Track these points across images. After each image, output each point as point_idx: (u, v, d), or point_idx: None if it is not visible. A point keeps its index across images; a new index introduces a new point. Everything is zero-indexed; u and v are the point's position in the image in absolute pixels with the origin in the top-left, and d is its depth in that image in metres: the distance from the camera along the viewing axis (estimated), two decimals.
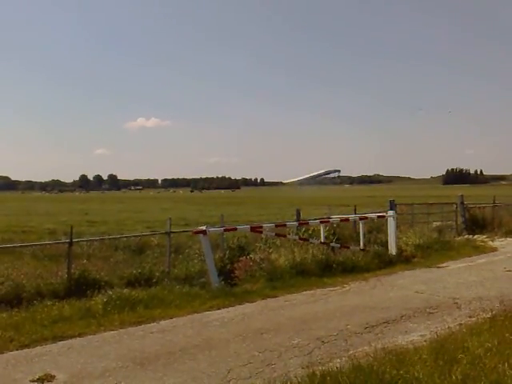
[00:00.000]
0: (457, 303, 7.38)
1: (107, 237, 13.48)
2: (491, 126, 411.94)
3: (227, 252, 10.80)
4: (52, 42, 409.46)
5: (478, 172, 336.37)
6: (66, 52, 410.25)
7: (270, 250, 11.04)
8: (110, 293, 7.87)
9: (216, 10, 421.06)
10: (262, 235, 10.88)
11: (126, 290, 8.05)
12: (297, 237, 11.05)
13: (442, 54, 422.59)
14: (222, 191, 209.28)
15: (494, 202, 19.82)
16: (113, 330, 6.57)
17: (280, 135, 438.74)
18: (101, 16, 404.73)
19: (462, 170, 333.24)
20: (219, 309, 7.59)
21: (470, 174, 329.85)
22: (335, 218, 12.21)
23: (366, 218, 12.23)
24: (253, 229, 9.95)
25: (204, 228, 9.04)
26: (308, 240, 10.86)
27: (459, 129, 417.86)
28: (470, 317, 6.52)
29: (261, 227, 10.11)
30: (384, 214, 12.38)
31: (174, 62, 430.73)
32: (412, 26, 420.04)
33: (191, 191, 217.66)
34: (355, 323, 6.47)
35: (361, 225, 11.65)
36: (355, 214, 14.77)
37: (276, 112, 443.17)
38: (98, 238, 12.73)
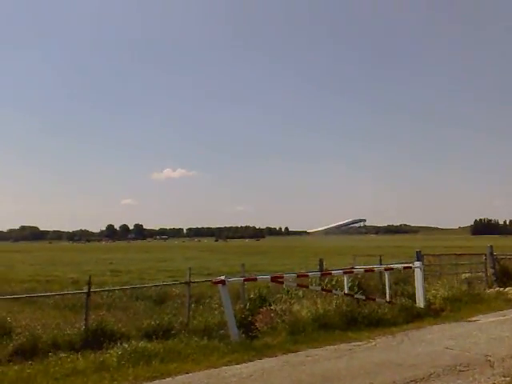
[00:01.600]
0: (489, 361, 6.92)
1: (127, 287, 13.36)
2: None
3: (248, 303, 10.53)
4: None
5: (507, 222, 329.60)
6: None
7: (292, 301, 10.74)
8: (126, 345, 7.66)
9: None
10: (284, 286, 10.61)
11: (141, 343, 7.83)
12: (319, 288, 10.72)
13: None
14: (247, 240, 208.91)
15: None
16: None
17: (305, 185, 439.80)
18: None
19: (490, 220, 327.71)
20: (238, 363, 7.29)
21: (498, 224, 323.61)
22: (359, 268, 11.87)
23: (392, 268, 11.85)
24: (273, 279, 9.70)
25: (223, 278, 8.83)
26: (331, 291, 10.52)
27: (487, 179, 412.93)
28: (504, 376, 6.08)
29: (282, 277, 9.86)
30: (411, 264, 11.98)
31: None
32: (437, 89, 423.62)
33: (215, 240, 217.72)
34: (381, 382, 6.10)
35: (386, 276, 11.26)
36: (380, 264, 14.39)
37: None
38: (117, 288, 12.59)
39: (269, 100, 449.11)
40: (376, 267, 12.26)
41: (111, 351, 7.63)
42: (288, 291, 11.42)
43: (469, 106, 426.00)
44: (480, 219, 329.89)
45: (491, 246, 17.21)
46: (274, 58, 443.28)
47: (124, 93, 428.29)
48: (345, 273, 10.69)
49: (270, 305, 10.56)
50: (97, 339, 8.41)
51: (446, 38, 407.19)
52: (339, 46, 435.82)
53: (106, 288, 13.44)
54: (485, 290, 14.60)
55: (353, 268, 11.79)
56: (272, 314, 9.85)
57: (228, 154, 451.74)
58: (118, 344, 7.90)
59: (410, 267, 11.84)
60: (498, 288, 15.24)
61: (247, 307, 10.34)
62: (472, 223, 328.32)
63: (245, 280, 9.61)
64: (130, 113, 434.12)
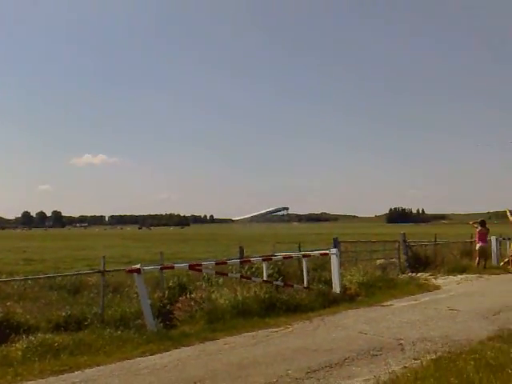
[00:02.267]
0: (401, 344, 7.13)
1: (36, 276, 12.66)
2: (433, 168, 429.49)
3: (166, 292, 10.29)
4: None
5: (420, 211, 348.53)
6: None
7: (212, 289, 10.62)
8: (32, 338, 7.20)
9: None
10: (203, 273, 10.45)
11: (49, 335, 7.39)
12: (238, 275, 10.66)
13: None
14: (171, 228, 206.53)
15: (436, 240, 20.17)
16: (31, 380, 5.93)
17: (229, 172, 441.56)
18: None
19: (404, 209, 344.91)
20: (152, 354, 7.05)
21: (412, 212, 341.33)
22: (278, 255, 11.94)
23: (310, 255, 12.01)
24: (191, 267, 9.51)
25: (138, 266, 8.51)
26: (250, 278, 10.49)
27: (403, 169, 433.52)
28: (415, 359, 6.26)
29: (200, 265, 9.69)
30: (327, 251, 12.19)
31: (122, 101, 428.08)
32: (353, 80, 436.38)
33: (139, 228, 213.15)
34: (296, 368, 6.11)
35: (304, 262, 11.41)
36: (299, 251, 14.58)
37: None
38: (28, 278, 11.87)
39: (187, 85, 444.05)
40: (294, 254, 12.38)
41: (16, 345, 7.16)
42: (208, 279, 11.29)
43: (380, 97, 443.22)
44: (395, 208, 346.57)
45: (404, 234, 17.98)
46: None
47: (44, 75, 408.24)
48: (264, 260, 10.69)
49: (190, 293, 10.37)
50: (1, 332, 7.87)
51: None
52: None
53: (17, 278, 12.67)
54: (398, 275, 15.20)
55: (272, 255, 11.83)
56: (191, 303, 9.68)
57: (151, 141, 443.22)
58: (24, 337, 7.42)
59: (327, 254, 12.05)
60: (410, 273, 15.95)
61: (166, 296, 10.09)
62: (387, 212, 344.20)
63: (162, 268, 9.34)
64: (48, 94, 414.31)
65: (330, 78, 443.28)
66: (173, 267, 9.46)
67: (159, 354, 7.05)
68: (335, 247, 13.78)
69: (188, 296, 10.12)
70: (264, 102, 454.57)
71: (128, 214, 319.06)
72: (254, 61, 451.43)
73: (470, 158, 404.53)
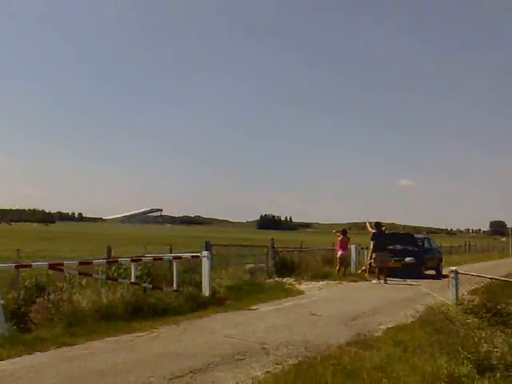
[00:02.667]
0: (265, 348, 7.25)
1: None
2: (301, 177, 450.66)
3: (22, 292, 9.49)
4: None
5: (288, 219, 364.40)
6: None
7: (74, 291, 10.00)
8: None
9: None
10: (66, 273, 9.81)
11: None
12: (104, 276, 10.17)
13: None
14: (34, 225, 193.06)
15: (301, 247, 21.11)
16: None
17: (101, 170, 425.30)
18: None
19: (274, 216, 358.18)
20: (2, 360, 6.43)
21: (281, 220, 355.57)
22: (148, 256, 11.63)
23: (180, 257, 11.85)
24: (52, 266, 8.86)
25: None
26: (117, 280, 10.06)
27: (272, 178, 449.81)
28: (277, 364, 6.37)
29: (62, 264, 9.06)
30: (199, 254, 12.14)
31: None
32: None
33: None
34: (160, 374, 5.91)
35: (175, 264, 11.21)
36: (171, 253, 14.35)
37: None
38: None
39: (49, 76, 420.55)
40: (165, 256, 12.15)
41: None
42: (70, 280, 10.62)
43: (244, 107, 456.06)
44: (265, 215, 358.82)
45: (272, 239, 18.56)
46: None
47: None
48: (132, 261, 10.31)
49: (49, 294, 9.68)
50: None
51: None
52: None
53: None
54: (265, 279, 15.60)
55: (141, 256, 11.49)
56: (49, 305, 9.02)
57: (13, 131, 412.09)
58: None
59: (199, 256, 11.99)
60: (277, 278, 16.43)
61: (21, 297, 9.31)
62: (258, 218, 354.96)
63: (17, 266, 8.59)
64: None
65: None
66: (30, 265, 8.74)
67: (10, 360, 6.45)
68: (207, 250, 13.77)
69: (46, 297, 9.45)
70: (116, 102, 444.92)
71: None
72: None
73: (337, 170, 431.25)
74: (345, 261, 18.73)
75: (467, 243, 44.90)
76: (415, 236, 21.27)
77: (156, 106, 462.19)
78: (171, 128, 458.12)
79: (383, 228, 18.14)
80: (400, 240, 19.60)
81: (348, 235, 19.33)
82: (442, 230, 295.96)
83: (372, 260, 17.28)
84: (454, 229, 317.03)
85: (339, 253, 18.61)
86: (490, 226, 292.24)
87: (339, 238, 18.94)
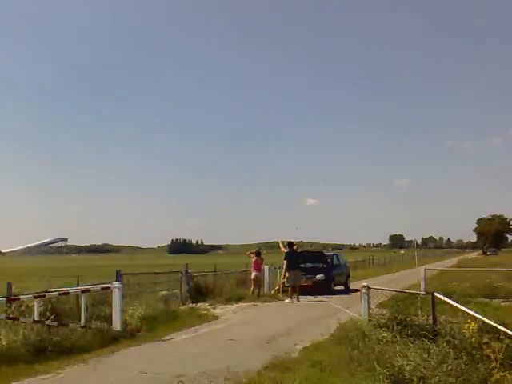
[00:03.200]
0: (182, 382, 6.98)
1: None
2: (211, 199, 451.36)
3: None
4: None
5: (199, 242, 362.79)
6: None
7: None
8: None
9: None
10: None
11: None
12: (4, 316, 9.38)
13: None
14: None
15: (215, 270, 20.95)
16: None
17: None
18: None
19: (185, 240, 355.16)
20: None
21: (192, 243, 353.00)
22: (53, 291, 10.91)
23: (89, 290, 11.24)
24: None
25: None
26: (18, 319, 9.31)
27: (183, 201, 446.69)
28: None
29: None
30: (109, 285, 11.59)
31: None
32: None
33: None
34: None
35: (83, 298, 10.59)
36: (78, 285, 13.63)
37: None
38: None
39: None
40: (72, 289, 11.47)
41: None
42: None
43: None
44: (176, 239, 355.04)
45: (186, 264, 18.21)
46: None
47: None
48: (35, 297, 9.61)
49: None
50: None
51: None
52: None
53: None
54: (179, 306, 15.21)
55: (46, 292, 10.75)
56: None
57: None
58: None
59: (109, 288, 11.45)
60: (191, 304, 16.10)
61: None
62: (169, 243, 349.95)
63: None
64: None
65: None
66: None
67: None
68: (117, 280, 13.23)
69: None
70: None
71: None
72: None
73: (229, 190, 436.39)
74: (259, 282, 18.80)
75: (370, 257, 46.94)
76: (325, 253, 21.88)
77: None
78: (77, 151, 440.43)
79: (295, 247, 18.46)
80: (310, 258, 20.04)
81: (262, 256, 19.45)
82: (346, 245, 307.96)
83: (285, 279, 17.44)
84: (357, 244, 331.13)
85: (253, 274, 18.66)
86: (390, 240, 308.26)
87: (253, 259, 19.01)
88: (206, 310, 15.00)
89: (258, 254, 19.31)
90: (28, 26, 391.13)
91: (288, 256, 17.72)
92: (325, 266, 19.91)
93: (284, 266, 17.90)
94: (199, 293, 17.82)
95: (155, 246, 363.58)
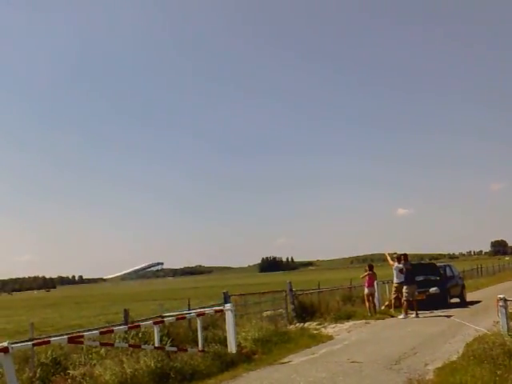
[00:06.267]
0: None
1: None
2: (299, 216, 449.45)
3: (38, 370, 8.77)
4: None
5: (290, 259, 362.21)
6: None
7: (93, 363, 9.25)
8: None
9: None
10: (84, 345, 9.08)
11: None
12: (126, 344, 9.41)
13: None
14: (35, 292, 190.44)
15: (319, 287, 20.31)
16: None
17: (94, 228, 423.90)
18: None
19: (275, 257, 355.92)
20: None
21: (282, 261, 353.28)
22: (170, 316, 10.88)
23: (204, 313, 11.10)
24: (72, 340, 8.11)
25: (5, 344, 7.01)
26: (140, 346, 9.30)
27: (271, 220, 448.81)
28: None
29: (82, 336, 8.32)
30: (221, 307, 11.41)
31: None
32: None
33: None
34: None
35: (198, 322, 10.44)
36: (189, 308, 13.63)
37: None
38: None
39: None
40: (187, 313, 11.39)
41: None
42: (87, 350, 9.87)
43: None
44: (266, 257, 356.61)
45: (290, 283, 17.74)
46: None
47: None
48: (155, 323, 9.58)
49: (67, 369, 8.94)
50: None
51: None
52: None
53: None
54: (286, 326, 14.79)
55: (162, 316, 10.75)
56: (69, 381, 8.29)
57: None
58: None
59: (222, 310, 11.26)
60: (298, 324, 15.62)
61: (37, 376, 8.59)
62: (259, 261, 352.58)
63: (34, 345, 7.86)
64: None
65: None
66: (49, 342, 7.98)
67: None
68: (226, 302, 13.08)
69: (65, 374, 8.72)
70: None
71: None
72: None
73: (332, 204, 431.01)
74: (373, 298, 17.94)
75: (479, 266, 44.03)
76: (437, 265, 20.62)
77: (149, 159, 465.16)
78: (166, 181, 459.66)
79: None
80: (422, 270, 18.85)
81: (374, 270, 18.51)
82: (444, 255, 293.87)
83: (405, 293, 16.36)
84: (456, 253, 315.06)
85: (366, 289, 17.79)
86: (492, 246, 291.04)
87: (367, 275, 18.10)
88: (316, 329, 14.44)
89: (371, 268, 18.40)
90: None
91: (406, 269, 16.65)
92: (438, 278, 18.67)
93: (395, 280, 16.94)
94: (305, 312, 17.30)
95: (246, 265, 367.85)
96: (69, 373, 8.85)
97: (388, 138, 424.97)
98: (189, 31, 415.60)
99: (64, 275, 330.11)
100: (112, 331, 9.16)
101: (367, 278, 17.97)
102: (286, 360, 10.28)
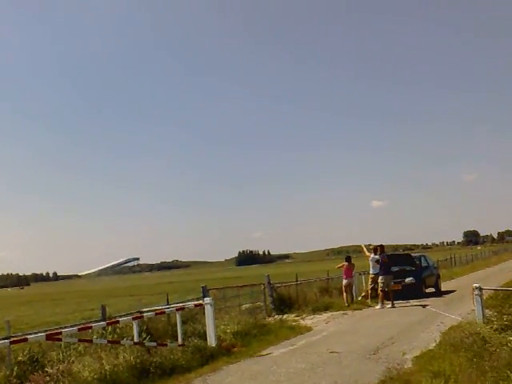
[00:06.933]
0: None
1: None
2: (274, 210, 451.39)
3: (15, 368, 8.63)
4: None
5: (266, 252, 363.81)
6: None
7: (71, 359, 9.14)
8: None
9: None
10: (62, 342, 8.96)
11: None
12: (105, 340, 9.33)
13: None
14: (9, 289, 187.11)
15: (297, 280, 20.42)
16: None
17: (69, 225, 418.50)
18: None
19: (251, 251, 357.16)
20: None
21: (259, 254, 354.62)
22: (149, 311, 10.82)
23: (183, 308, 11.07)
24: (49, 337, 8.00)
25: None
26: (119, 342, 9.24)
27: (247, 213, 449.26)
28: None
29: (60, 333, 8.22)
30: (201, 301, 11.40)
31: None
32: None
33: None
34: None
35: (178, 317, 10.41)
36: (168, 303, 13.57)
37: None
38: None
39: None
40: (166, 308, 11.34)
41: None
42: (66, 347, 9.75)
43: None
44: (243, 251, 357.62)
45: (268, 276, 17.83)
46: None
47: None
48: (134, 318, 9.51)
49: (44, 367, 8.81)
50: None
51: None
52: None
53: None
54: (264, 318, 14.86)
55: (141, 311, 10.69)
56: (47, 378, 8.18)
57: None
58: None
59: (201, 304, 11.25)
60: (277, 316, 15.69)
61: (14, 374, 8.44)
62: (236, 255, 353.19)
63: (12, 342, 7.73)
64: None
65: None
66: (26, 339, 7.86)
67: None
68: (205, 296, 13.06)
69: (43, 371, 8.59)
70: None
71: None
72: None
73: (307, 196, 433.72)
74: (351, 289, 18.14)
75: (452, 256, 44.86)
76: (412, 255, 20.92)
77: (122, 149, 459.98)
78: (141, 173, 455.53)
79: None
80: (397, 261, 19.12)
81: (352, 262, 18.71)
82: (418, 245, 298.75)
83: (381, 284, 16.57)
84: (430, 243, 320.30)
85: (344, 281, 17.98)
86: (464, 236, 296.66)
87: (344, 266, 18.29)
88: (294, 321, 14.55)
89: (348, 259, 18.59)
90: None
91: (381, 260, 16.85)
92: (413, 268, 18.95)
93: (371, 271, 17.18)
94: (283, 304, 17.40)
95: (223, 259, 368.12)
96: (46, 370, 8.74)
97: (362, 128, 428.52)
98: (183, 27, 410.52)
99: (38, 272, 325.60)
100: (90, 327, 9.06)
101: (345, 268, 18.16)
102: (265, 352, 10.33)
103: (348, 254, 19.62)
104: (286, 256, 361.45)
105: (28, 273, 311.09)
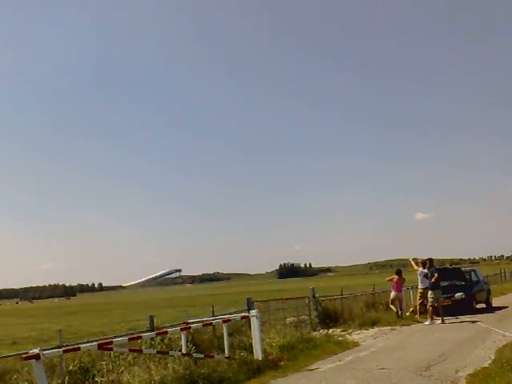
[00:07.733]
0: None
1: None
2: (313, 222, 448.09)
3: (67, 378, 8.79)
4: None
5: (308, 265, 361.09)
6: None
7: (120, 370, 9.25)
8: None
9: None
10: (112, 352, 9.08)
11: None
12: (154, 350, 9.40)
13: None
14: (56, 300, 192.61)
15: (342, 294, 20.12)
16: None
17: (114, 237, 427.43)
18: None
19: (293, 264, 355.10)
20: None
21: (300, 267, 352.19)
22: (196, 322, 10.86)
23: (230, 320, 11.05)
24: (101, 346, 8.12)
25: (37, 351, 7.03)
26: (167, 353, 9.29)
27: (287, 226, 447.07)
28: None
29: (111, 343, 8.33)
30: (247, 314, 11.36)
31: None
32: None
33: (16, 302, 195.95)
34: None
35: (225, 328, 10.40)
36: (213, 314, 13.60)
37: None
38: None
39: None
40: (213, 319, 11.36)
41: None
42: (115, 357, 9.88)
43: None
44: (284, 264, 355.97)
45: (313, 289, 17.60)
46: None
47: None
48: (182, 329, 9.56)
49: (94, 377, 8.96)
50: None
51: None
52: None
53: None
54: (309, 332, 14.65)
55: (188, 322, 10.74)
56: None
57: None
58: None
59: (247, 316, 11.21)
60: (322, 330, 15.46)
61: (66, 383, 8.61)
62: (277, 268, 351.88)
63: (65, 351, 7.88)
64: None
65: None
66: (79, 348, 8.01)
67: None
68: (250, 308, 13.03)
69: (93, 381, 8.74)
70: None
71: (6, 287, 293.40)
72: None
73: (347, 209, 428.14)
74: (400, 303, 17.71)
75: (502, 271, 43.29)
76: (462, 269, 20.31)
77: (165, 166, 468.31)
78: (185, 188, 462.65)
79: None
80: (446, 275, 18.55)
81: (403, 276, 18.28)
82: (465, 260, 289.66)
83: (431, 299, 16.08)
84: (477, 257, 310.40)
85: (393, 293, 17.60)
86: None
87: (394, 279, 17.90)
88: (341, 336, 14.28)
89: (399, 273, 18.18)
90: None
91: (432, 275, 16.34)
92: (463, 283, 18.36)
93: (421, 286, 16.70)
94: (329, 318, 17.15)
95: (264, 272, 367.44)
96: (97, 380, 8.89)
97: (405, 139, 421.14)
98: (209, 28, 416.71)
99: (83, 283, 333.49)
100: (140, 337, 9.15)
101: (395, 281, 17.75)
102: (313, 367, 10.17)
103: (399, 268, 19.15)
104: (328, 269, 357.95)
105: (74, 283, 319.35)
